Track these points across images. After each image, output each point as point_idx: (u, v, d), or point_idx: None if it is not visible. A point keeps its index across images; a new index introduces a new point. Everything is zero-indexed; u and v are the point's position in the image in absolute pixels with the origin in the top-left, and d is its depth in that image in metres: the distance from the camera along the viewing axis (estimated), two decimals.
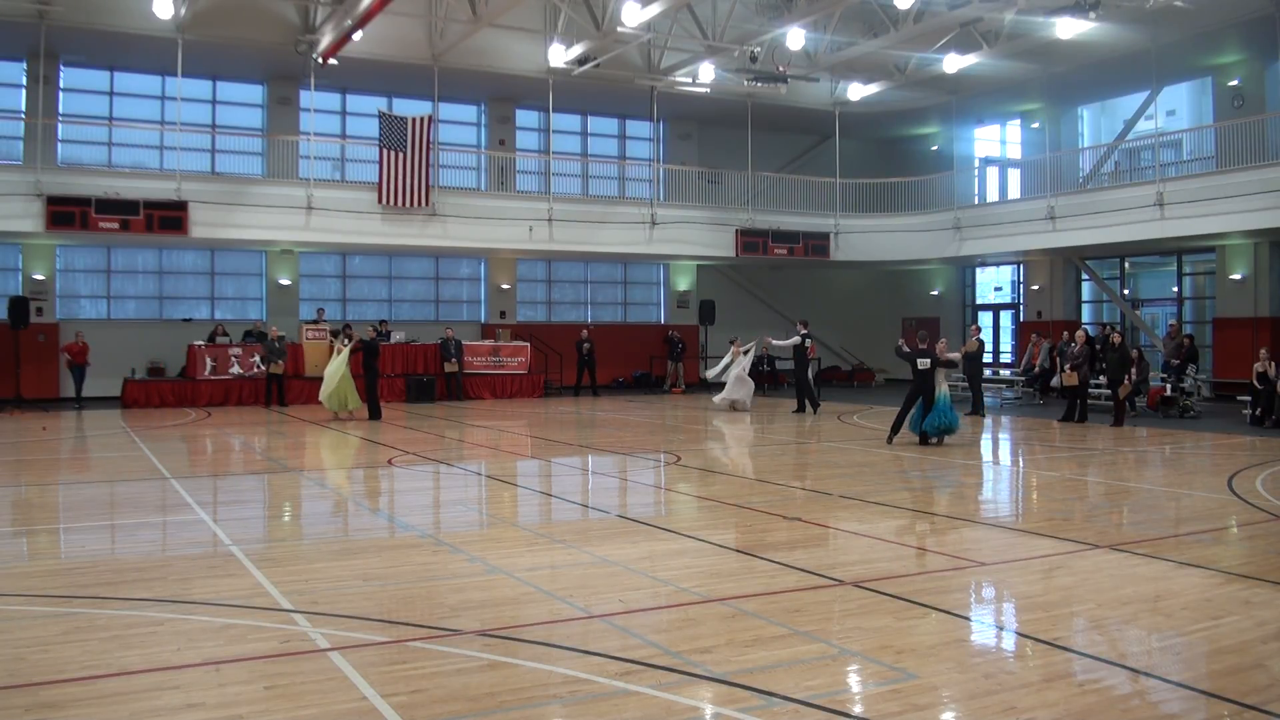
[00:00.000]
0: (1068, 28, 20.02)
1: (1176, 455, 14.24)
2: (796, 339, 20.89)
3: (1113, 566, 7.25)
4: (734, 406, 21.35)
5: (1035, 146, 27.86)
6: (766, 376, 27.41)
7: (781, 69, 23.55)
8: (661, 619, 6.01)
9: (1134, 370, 18.31)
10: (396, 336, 24.87)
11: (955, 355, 15.32)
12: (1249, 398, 18.27)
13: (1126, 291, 26.99)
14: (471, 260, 27.85)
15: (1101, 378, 19.38)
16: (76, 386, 21.77)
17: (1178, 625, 5.83)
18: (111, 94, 24.11)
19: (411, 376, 24.09)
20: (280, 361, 22.28)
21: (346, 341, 19.69)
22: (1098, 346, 19.80)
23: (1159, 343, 23.40)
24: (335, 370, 19.05)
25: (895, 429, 15.05)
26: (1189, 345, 21.18)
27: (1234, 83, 23.19)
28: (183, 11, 20.85)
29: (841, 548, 8.16)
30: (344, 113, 26.27)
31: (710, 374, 23.41)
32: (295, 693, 4.71)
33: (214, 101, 25.03)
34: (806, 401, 20.73)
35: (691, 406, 23.15)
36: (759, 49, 22.98)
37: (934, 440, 14.74)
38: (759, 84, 24.22)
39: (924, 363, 14.60)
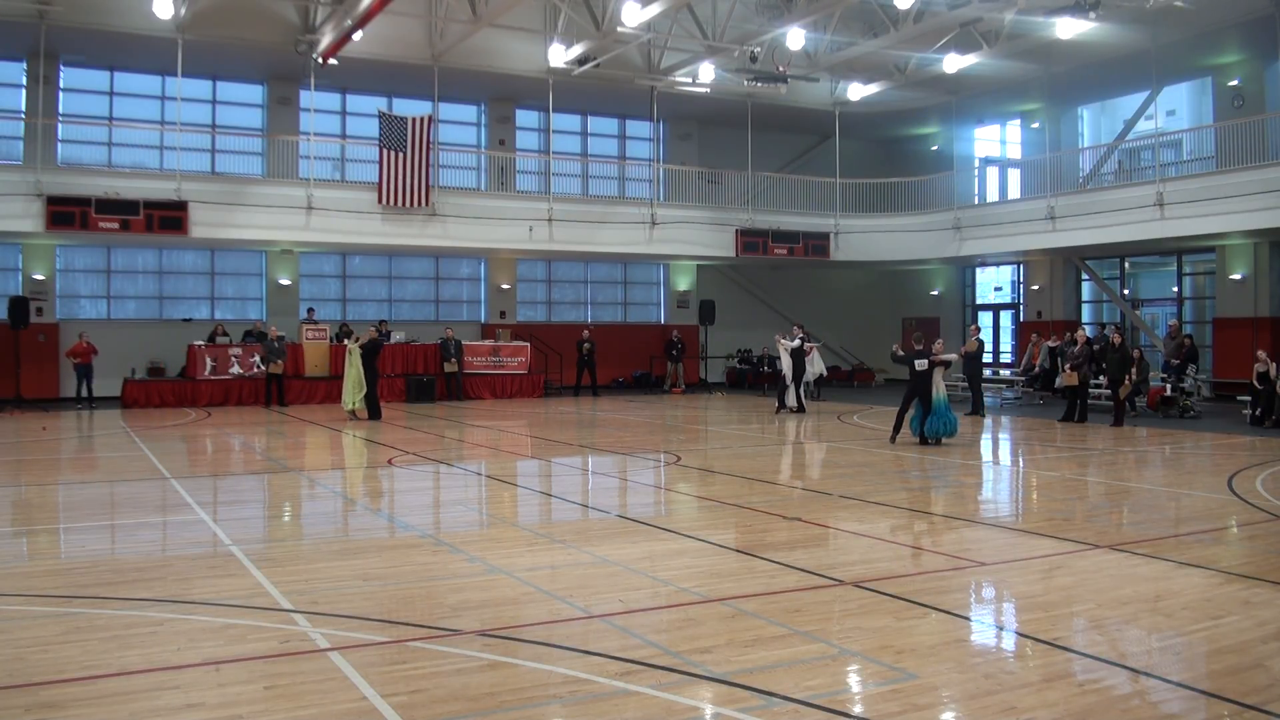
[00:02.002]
0: (1068, 28, 20.01)
1: (1176, 455, 14.24)
2: (798, 342, 20.85)
3: (1113, 566, 7.25)
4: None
5: (1035, 146, 27.86)
6: (767, 376, 27.44)
7: (781, 69, 23.54)
8: (661, 619, 6.01)
9: (1134, 370, 18.32)
10: (396, 336, 24.86)
11: (951, 355, 15.31)
12: (1249, 398, 18.27)
13: (1126, 291, 26.99)
14: (471, 260, 27.84)
15: (1101, 378, 19.39)
16: (85, 387, 21.69)
17: (1178, 625, 5.83)
18: (111, 94, 24.11)
19: (411, 376, 24.08)
20: (280, 361, 22.27)
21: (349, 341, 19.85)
22: (1097, 347, 19.81)
23: (1159, 343, 23.41)
24: (350, 371, 19.40)
25: (896, 429, 15.09)
26: (1189, 345, 21.19)
27: (1234, 83, 23.19)
28: (183, 11, 20.85)
29: (841, 548, 8.16)
30: (344, 113, 26.27)
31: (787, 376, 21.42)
32: (295, 693, 4.71)
33: (214, 101, 25.02)
34: (779, 398, 20.69)
35: (692, 406, 23.15)
36: (759, 49, 22.96)
37: (932, 441, 14.75)
38: (759, 84, 24.20)
39: (921, 364, 14.62)
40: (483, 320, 27.69)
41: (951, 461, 13.53)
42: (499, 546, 8.00)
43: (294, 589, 6.57)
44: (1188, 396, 19.62)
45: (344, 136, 25.90)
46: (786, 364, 20.82)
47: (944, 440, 14.87)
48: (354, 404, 19.23)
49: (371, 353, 19.23)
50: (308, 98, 24.11)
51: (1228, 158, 21.10)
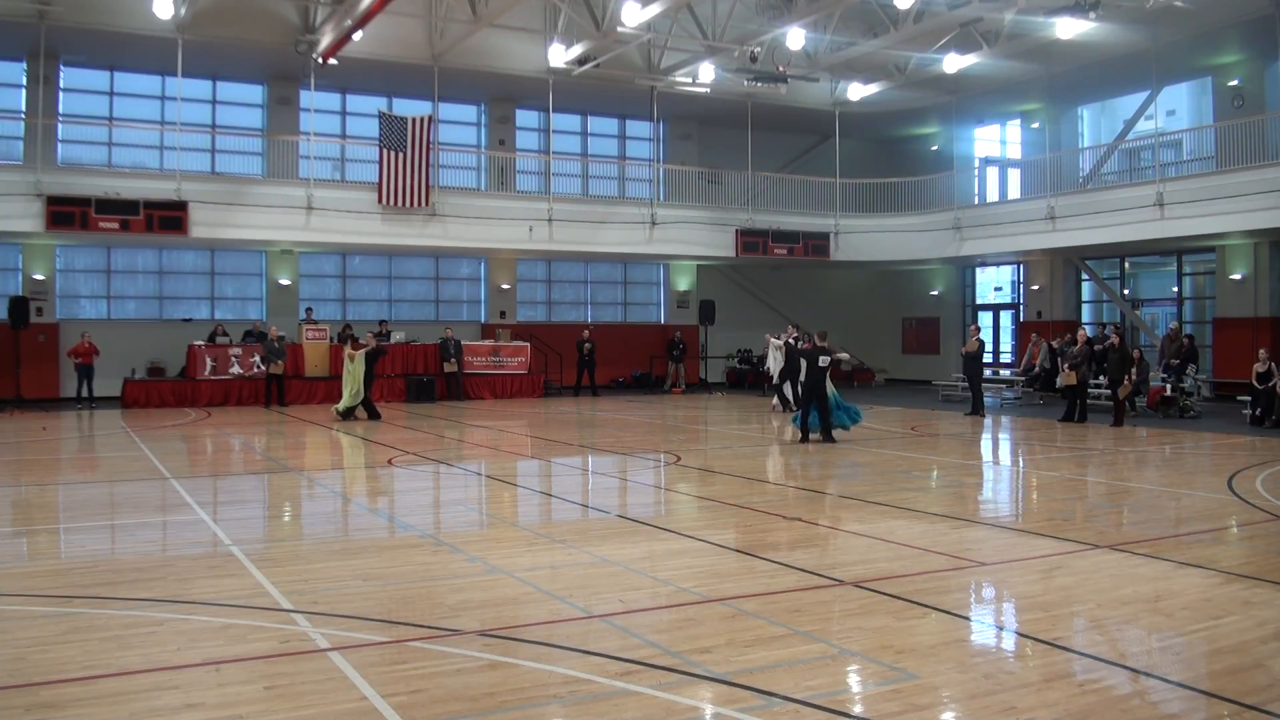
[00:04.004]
0: (1068, 28, 20.01)
1: (1176, 455, 14.24)
2: (791, 341, 20.85)
3: (1113, 566, 7.25)
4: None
5: (1035, 146, 27.86)
6: (767, 377, 27.41)
7: (781, 69, 23.54)
8: (661, 619, 6.01)
9: (1134, 370, 18.32)
10: (396, 336, 24.87)
11: (844, 354, 15.75)
12: (1249, 398, 18.27)
13: (1126, 291, 26.99)
14: (471, 260, 27.84)
15: (1101, 378, 19.39)
16: (85, 387, 21.65)
17: (1178, 625, 5.83)
18: (111, 94, 24.10)
19: (411, 376, 24.08)
20: (280, 361, 22.25)
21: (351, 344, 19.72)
22: (1098, 347, 19.83)
23: (1159, 343, 23.39)
24: (350, 375, 19.17)
25: (806, 430, 15.21)
26: (1189, 345, 21.20)
27: (1234, 83, 23.19)
28: (183, 11, 20.84)
29: (841, 548, 8.16)
30: (344, 113, 26.26)
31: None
32: (295, 693, 4.71)
33: (214, 101, 25.01)
34: (788, 400, 20.73)
35: (692, 406, 23.14)
36: (759, 49, 22.95)
37: (816, 438, 15.01)
38: (759, 84, 24.20)
39: (825, 360, 14.94)
40: (483, 320, 27.69)
41: (951, 462, 13.53)
42: (499, 546, 8.01)
43: (294, 589, 6.57)
44: (1188, 396, 19.63)
45: (344, 136, 25.90)
46: (774, 362, 20.88)
47: (850, 428, 15.23)
48: (345, 408, 19.04)
49: (373, 359, 19.23)
50: (308, 98, 24.10)
51: (1228, 158, 21.09)
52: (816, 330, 16.38)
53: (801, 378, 20.58)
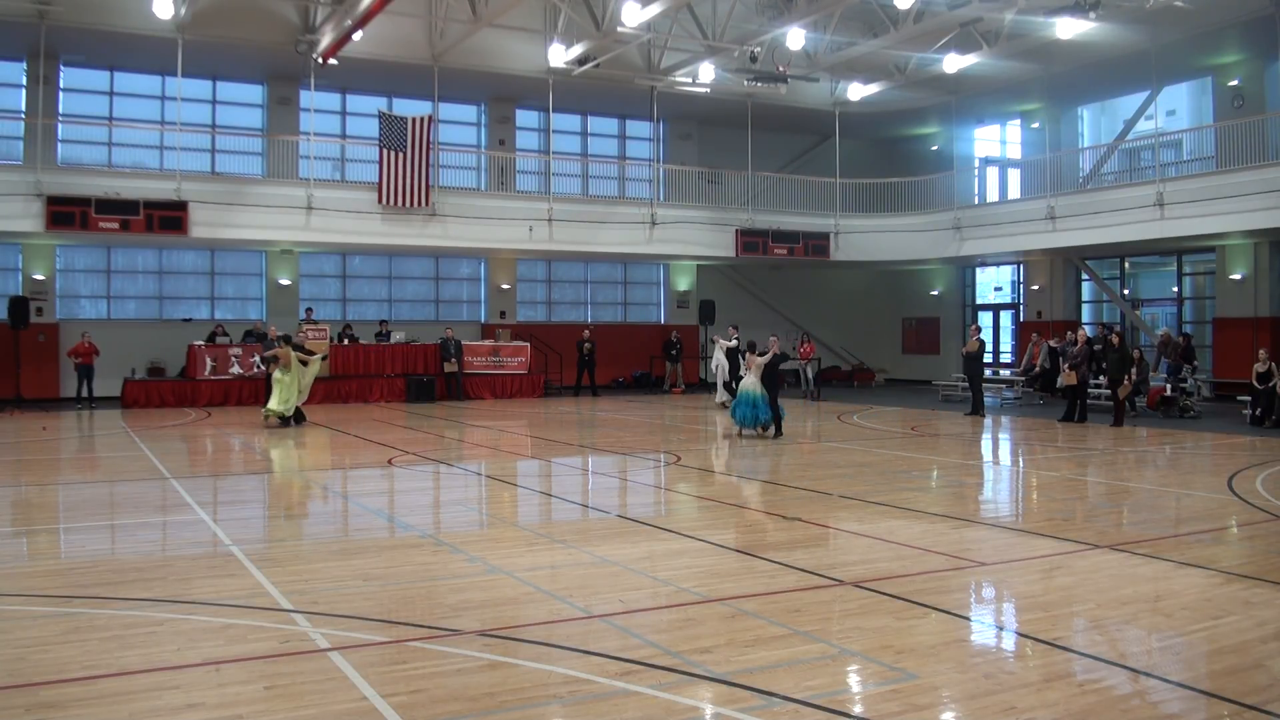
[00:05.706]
0: (1068, 28, 20.01)
1: (1176, 455, 14.24)
2: (733, 343, 21.16)
3: (1113, 566, 7.25)
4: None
5: (1035, 146, 27.85)
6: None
7: (781, 69, 23.56)
8: (661, 619, 6.01)
9: (1134, 370, 18.32)
10: (397, 336, 24.88)
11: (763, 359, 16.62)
12: (1249, 398, 18.28)
13: (1126, 291, 26.99)
14: (471, 260, 27.84)
15: (1101, 378, 19.40)
16: (85, 387, 21.64)
17: (1178, 625, 5.83)
18: (111, 94, 24.10)
19: (411, 376, 24.08)
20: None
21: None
22: (1097, 347, 19.83)
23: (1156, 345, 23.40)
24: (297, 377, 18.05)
25: (779, 427, 16.07)
26: (1186, 345, 21.21)
27: (1234, 83, 23.19)
28: (183, 11, 20.84)
29: (841, 548, 8.16)
30: (344, 113, 26.25)
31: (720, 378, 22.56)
32: (295, 693, 4.71)
33: (214, 101, 25.01)
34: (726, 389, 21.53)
35: (691, 406, 23.14)
36: (759, 49, 22.96)
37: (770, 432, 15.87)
38: (759, 84, 24.21)
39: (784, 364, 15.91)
40: (483, 320, 27.69)
41: (951, 461, 13.53)
42: (499, 546, 8.01)
43: (294, 589, 6.57)
44: (1188, 396, 19.63)
45: (344, 136, 25.89)
46: (720, 362, 21.82)
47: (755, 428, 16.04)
48: (287, 409, 17.83)
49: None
50: (308, 98, 24.10)
51: (1228, 158, 21.09)
52: (772, 335, 17.60)
53: (738, 375, 21.46)
